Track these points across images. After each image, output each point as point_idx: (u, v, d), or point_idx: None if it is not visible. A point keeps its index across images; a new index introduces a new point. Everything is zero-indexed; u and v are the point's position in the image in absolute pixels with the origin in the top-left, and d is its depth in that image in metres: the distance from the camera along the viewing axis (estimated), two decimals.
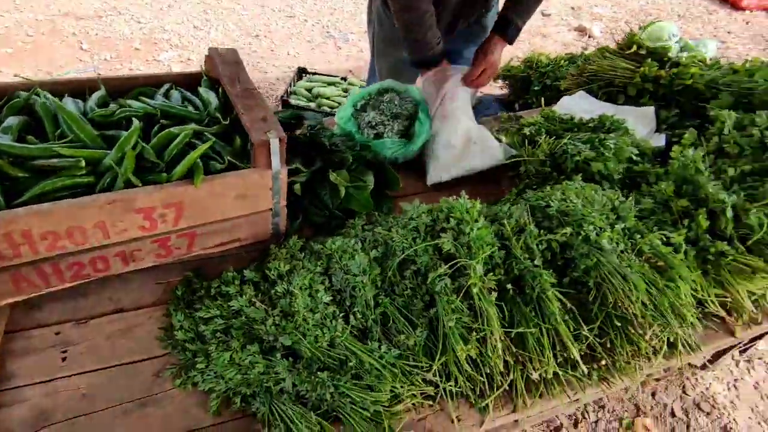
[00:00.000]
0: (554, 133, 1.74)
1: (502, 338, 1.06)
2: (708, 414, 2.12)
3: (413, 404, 1.04)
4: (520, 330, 1.08)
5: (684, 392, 2.19)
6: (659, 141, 1.85)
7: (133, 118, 1.14)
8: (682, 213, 1.38)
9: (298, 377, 1.01)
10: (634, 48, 2.09)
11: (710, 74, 1.87)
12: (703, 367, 2.28)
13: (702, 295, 1.24)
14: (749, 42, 5.58)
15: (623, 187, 1.54)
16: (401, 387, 1.00)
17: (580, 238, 1.22)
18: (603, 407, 2.10)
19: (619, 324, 1.08)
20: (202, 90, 1.36)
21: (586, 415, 2.06)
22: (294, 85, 3.32)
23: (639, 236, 1.26)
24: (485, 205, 1.40)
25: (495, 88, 3.58)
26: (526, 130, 1.75)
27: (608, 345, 1.11)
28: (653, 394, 2.17)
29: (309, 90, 3.22)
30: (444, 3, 1.79)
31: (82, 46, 3.87)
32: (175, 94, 1.33)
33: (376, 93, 1.82)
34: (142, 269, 1.24)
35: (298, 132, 1.62)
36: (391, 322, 1.14)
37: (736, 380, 2.26)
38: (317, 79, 3.33)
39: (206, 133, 1.21)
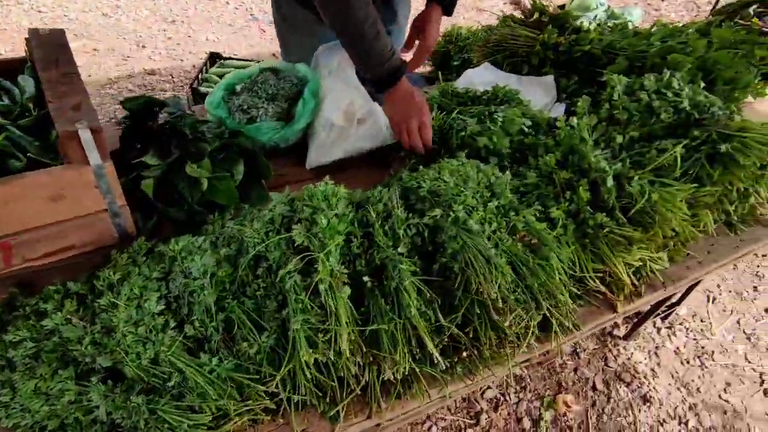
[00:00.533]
0: (447, 108, 1.64)
1: (352, 337, 0.95)
2: (628, 384, 2.12)
3: (252, 420, 0.92)
4: (373, 327, 0.97)
5: (606, 364, 2.19)
6: (558, 111, 1.79)
7: None
8: (564, 185, 1.31)
9: (113, 403, 0.88)
10: (536, 15, 2.01)
11: (607, 39, 1.81)
12: (626, 337, 2.28)
13: (580, 272, 1.18)
14: (682, 9, 5.66)
15: (513, 162, 1.46)
16: (233, 403, 0.89)
17: (450, 219, 1.12)
18: (524, 387, 2.07)
19: (478, 311, 0.99)
20: (21, 78, 1.18)
21: (507, 397, 2.02)
22: (206, 72, 3.11)
23: (514, 213, 1.18)
24: (360, 191, 1.29)
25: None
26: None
27: (471, 335, 1.02)
28: (575, 370, 2.15)
29: (220, 77, 3.01)
30: None
31: None
32: None
33: (257, 74, 1.67)
34: None
35: (161, 121, 1.46)
36: (236, 328, 1.02)
37: (657, 347, 2.27)
38: (230, 64, 3.12)
39: (9, 127, 1.03)
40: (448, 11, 1.69)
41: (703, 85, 1.53)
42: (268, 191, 1.46)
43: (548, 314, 1.07)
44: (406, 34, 2.05)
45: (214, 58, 3.24)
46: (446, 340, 1.01)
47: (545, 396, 2.04)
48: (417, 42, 1.72)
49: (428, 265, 1.11)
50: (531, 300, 1.04)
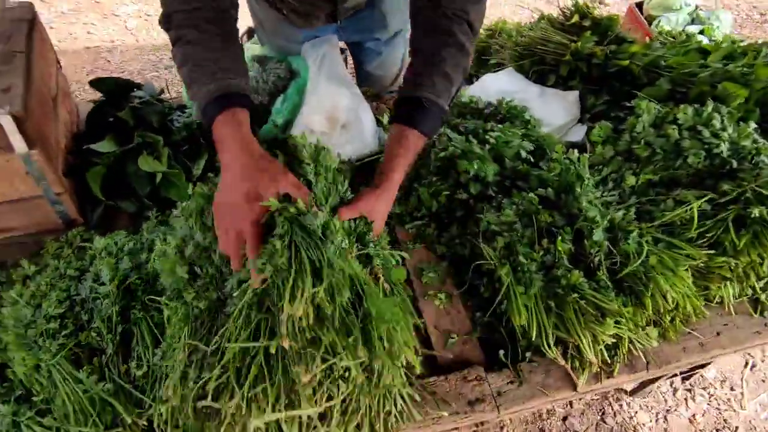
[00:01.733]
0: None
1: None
2: None
3: None
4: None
5: (602, 419, 1.95)
6: (578, 134, 1.54)
7: None
8: (545, 230, 1.11)
9: None
10: (575, 18, 1.73)
11: (653, 55, 1.52)
12: (633, 392, 2.01)
13: (536, 337, 1.00)
14: None
15: (501, 191, 1.26)
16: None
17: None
18: (502, 428, 1.89)
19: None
20: None
21: None
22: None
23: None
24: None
25: None
26: None
27: None
28: (565, 419, 1.93)
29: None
30: None
31: None
32: None
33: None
34: None
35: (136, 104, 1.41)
36: (134, 342, 0.96)
37: (668, 411, 1.99)
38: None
39: None
40: (431, 134, 1.07)
41: (755, 126, 1.24)
42: None
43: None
44: (402, 51, 1.81)
45: (252, 33, 3.20)
46: None
47: None
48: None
49: None
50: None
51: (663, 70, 1.48)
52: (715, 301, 1.16)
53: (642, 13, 3.48)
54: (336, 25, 1.62)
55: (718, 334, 1.13)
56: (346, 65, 1.93)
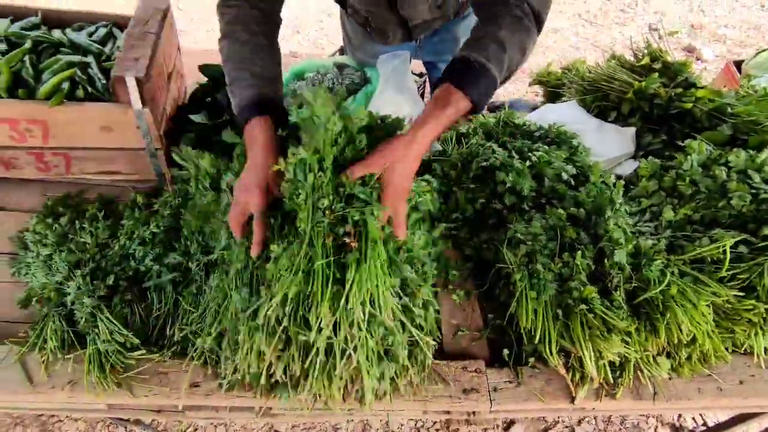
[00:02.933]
0: (493, 135, 1.56)
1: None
2: None
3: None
4: None
5: None
6: (629, 167, 1.55)
7: (28, 39, 1.28)
8: (567, 245, 1.15)
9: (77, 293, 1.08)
10: (645, 60, 1.76)
11: (719, 102, 1.50)
12: None
13: (538, 342, 1.03)
14: None
15: (535, 207, 1.32)
16: None
17: None
18: None
19: None
20: (124, 32, 1.47)
21: None
22: None
23: None
24: None
25: (531, 94, 3.26)
26: (463, 128, 1.58)
27: None
28: None
29: None
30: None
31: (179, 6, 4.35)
32: (100, 31, 1.46)
33: (326, 67, 1.79)
34: (32, 180, 1.40)
35: None
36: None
37: None
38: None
39: (91, 65, 1.31)
40: (479, 104, 1.02)
41: None
42: None
43: None
44: None
45: (342, 51, 3.51)
46: None
47: None
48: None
49: None
50: None
51: (727, 116, 1.46)
52: (743, 349, 1.12)
53: (740, 72, 3.32)
54: (414, 44, 1.80)
55: (741, 382, 1.09)
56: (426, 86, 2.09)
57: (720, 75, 3.53)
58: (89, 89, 1.26)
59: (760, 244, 1.09)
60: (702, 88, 1.62)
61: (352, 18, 1.74)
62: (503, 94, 3.56)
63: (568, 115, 1.78)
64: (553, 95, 2.90)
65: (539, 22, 1.08)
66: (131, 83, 1.20)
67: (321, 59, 1.81)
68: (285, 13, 1.23)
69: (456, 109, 0.98)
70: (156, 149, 1.36)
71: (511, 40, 1.02)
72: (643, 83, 1.64)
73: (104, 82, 1.30)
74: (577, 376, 1.05)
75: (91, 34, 1.45)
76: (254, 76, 1.09)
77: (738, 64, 3.44)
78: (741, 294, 1.05)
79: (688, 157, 1.29)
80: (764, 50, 3.36)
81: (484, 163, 1.36)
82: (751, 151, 1.25)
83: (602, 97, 1.80)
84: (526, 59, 1.08)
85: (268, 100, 1.08)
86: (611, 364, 1.04)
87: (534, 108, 3.04)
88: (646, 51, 1.83)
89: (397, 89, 1.62)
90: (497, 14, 1.04)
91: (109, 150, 1.34)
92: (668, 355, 1.07)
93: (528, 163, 1.34)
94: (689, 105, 1.53)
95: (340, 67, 1.77)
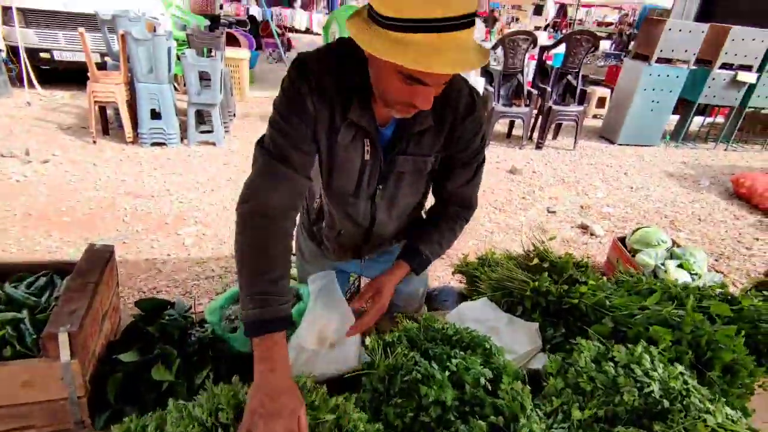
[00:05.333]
0: (415, 343, 1.69)
1: None
2: None
3: None
4: None
5: None
6: (541, 362, 1.71)
7: None
8: None
9: None
10: (536, 260, 2.09)
11: (599, 296, 1.79)
12: None
13: None
14: None
15: (460, 416, 1.39)
16: None
17: None
18: None
19: None
20: (66, 279, 1.58)
21: None
22: None
23: None
24: None
25: (455, 281, 3.59)
26: (388, 336, 1.71)
27: None
28: None
29: None
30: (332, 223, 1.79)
31: (125, 219, 4.64)
32: (40, 281, 1.56)
33: None
34: None
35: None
36: None
37: None
38: None
39: (24, 320, 1.36)
40: (417, 271, 1.67)
41: (683, 368, 1.39)
42: None
43: None
44: (422, 289, 2.19)
45: None
46: None
47: None
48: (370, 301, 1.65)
49: None
50: None
51: (607, 310, 1.72)
52: None
53: (626, 247, 3.92)
54: (360, 262, 2.03)
55: None
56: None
57: (611, 250, 4.13)
58: (17, 347, 1.29)
59: None
60: (584, 283, 1.92)
61: (309, 236, 1.98)
62: (434, 278, 3.88)
63: (482, 312, 1.99)
64: (471, 280, 3.22)
65: (472, 212, 1.75)
66: (63, 338, 1.25)
67: None
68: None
69: (402, 275, 1.67)
70: (79, 398, 1.35)
71: (453, 234, 1.72)
72: (536, 283, 1.92)
73: (35, 336, 1.34)
74: None
75: (30, 285, 1.53)
76: (263, 292, 1.25)
77: (623, 239, 4.08)
78: None
79: (581, 354, 1.47)
80: (639, 228, 4.05)
81: (408, 377, 1.46)
82: (630, 346, 1.46)
83: (509, 293, 2.06)
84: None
85: (276, 318, 1.27)
86: None
87: (460, 292, 3.32)
88: (534, 252, 2.19)
89: (326, 305, 1.78)
90: (451, 216, 1.71)
91: (26, 405, 1.31)
92: None
93: (447, 373, 1.45)
94: (575, 301, 1.80)
95: None
